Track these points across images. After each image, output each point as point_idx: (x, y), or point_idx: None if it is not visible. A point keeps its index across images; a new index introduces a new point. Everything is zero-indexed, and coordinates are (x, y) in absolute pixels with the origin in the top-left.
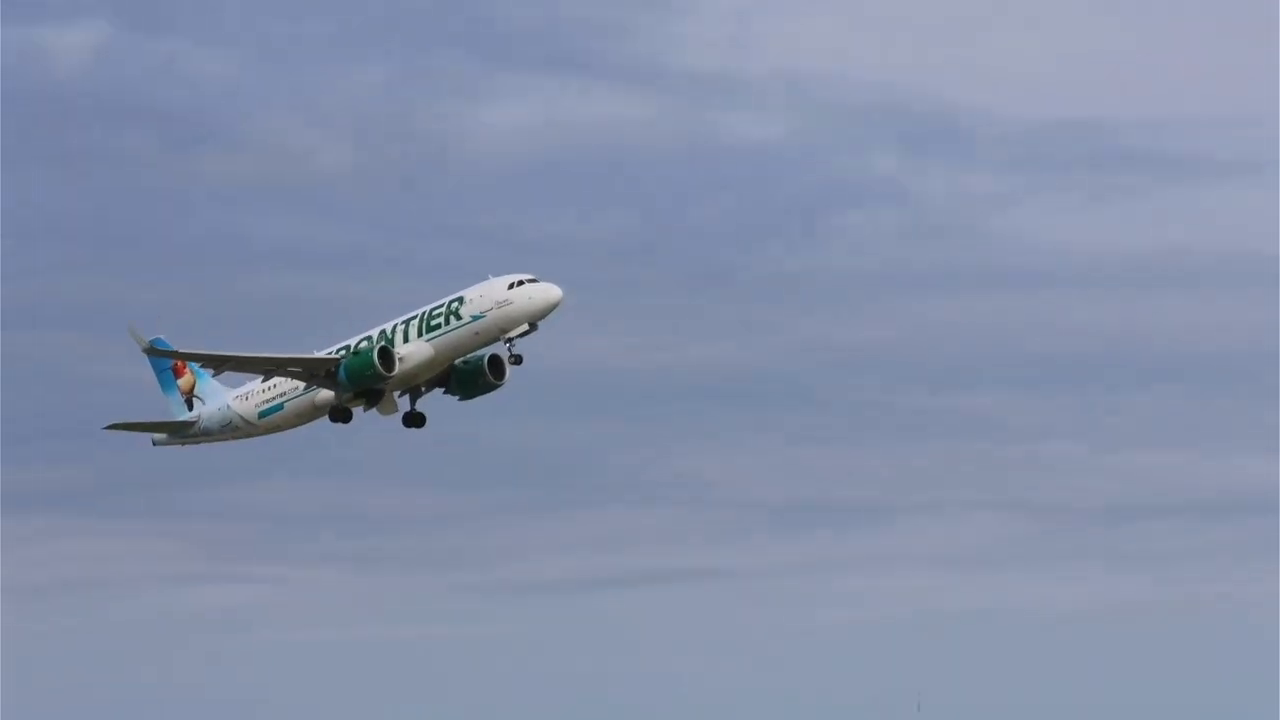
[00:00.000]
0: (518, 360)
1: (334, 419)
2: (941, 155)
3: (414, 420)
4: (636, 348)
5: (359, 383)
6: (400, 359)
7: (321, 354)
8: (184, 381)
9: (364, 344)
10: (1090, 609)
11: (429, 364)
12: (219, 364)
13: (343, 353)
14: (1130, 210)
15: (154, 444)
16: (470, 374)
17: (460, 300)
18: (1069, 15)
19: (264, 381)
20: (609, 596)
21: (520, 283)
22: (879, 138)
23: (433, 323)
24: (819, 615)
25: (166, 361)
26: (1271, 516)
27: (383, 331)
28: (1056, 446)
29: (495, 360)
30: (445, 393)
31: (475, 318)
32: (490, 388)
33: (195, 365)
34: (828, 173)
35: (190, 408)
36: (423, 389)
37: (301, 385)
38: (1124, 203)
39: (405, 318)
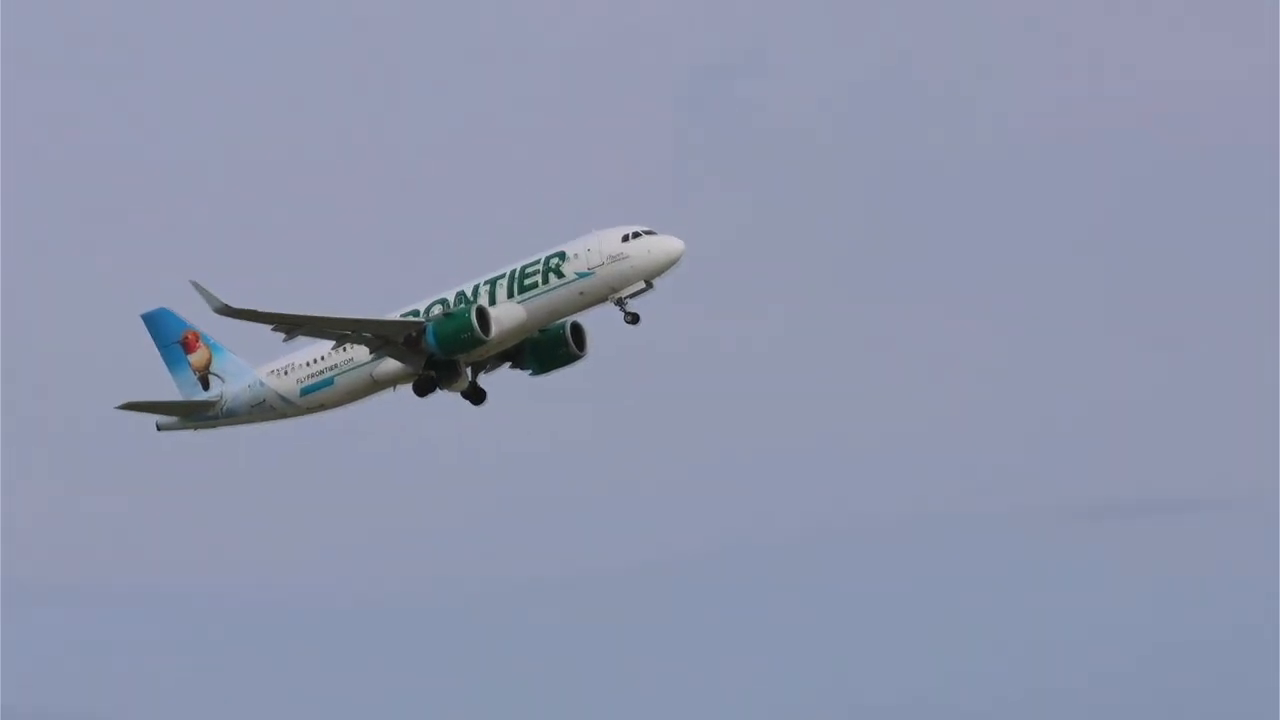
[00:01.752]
0: (635, 319)
1: (420, 392)
2: None
3: (476, 395)
4: None
5: (450, 349)
6: (495, 321)
7: (396, 316)
8: (197, 357)
9: (437, 307)
10: None
11: (519, 329)
12: (295, 326)
13: (412, 317)
14: None
15: (159, 429)
16: (549, 343)
17: (561, 256)
18: None
19: (335, 348)
20: None
21: (636, 234)
22: None
23: (527, 281)
24: None
25: (174, 334)
26: None
27: (461, 293)
28: None
29: (576, 327)
30: (512, 366)
31: (581, 275)
32: (571, 359)
33: (210, 339)
34: None
35: (206, 387)
36: (488, 362)
37: (357, 357)
38: None
39: (489, 276)
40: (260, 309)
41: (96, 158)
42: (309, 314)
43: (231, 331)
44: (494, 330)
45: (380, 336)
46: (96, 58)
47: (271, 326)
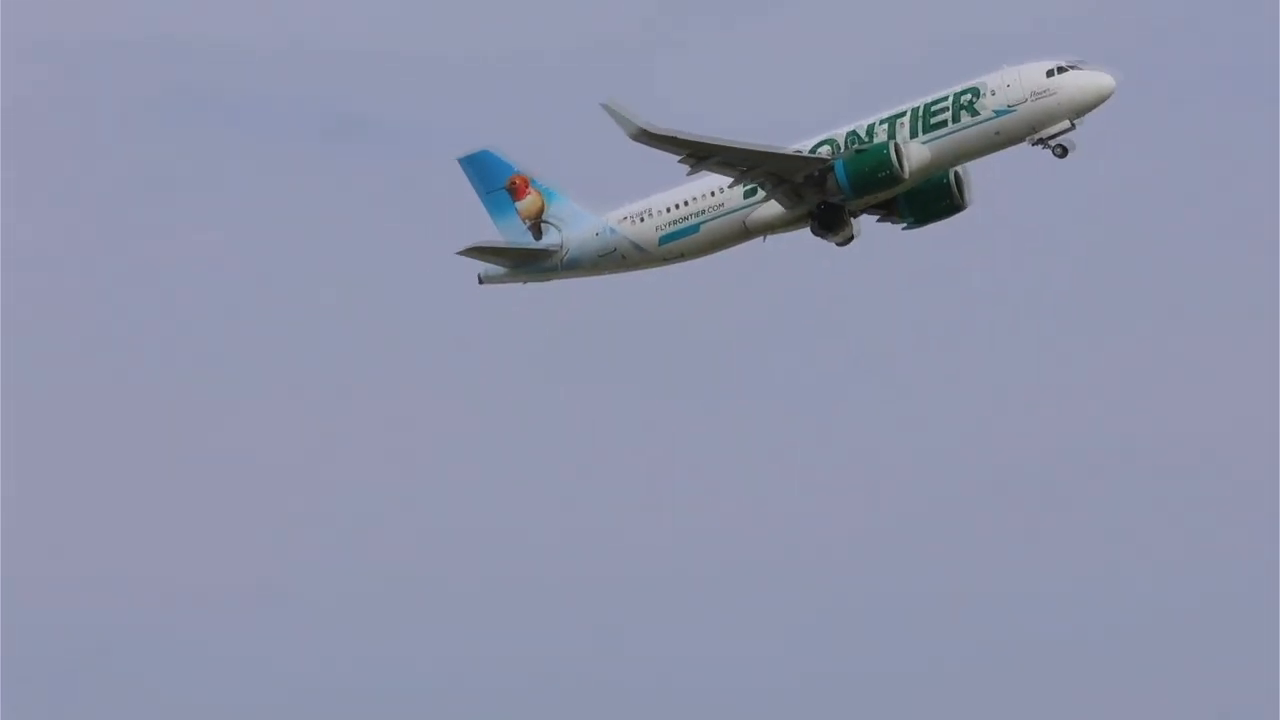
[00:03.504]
0: (1063, 153)
1: (820, 232)
2: None
3: (846, 240)
4: None
5: (861, 188)
6: (907, 159)
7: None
8: (527, 204)
9: (824, 148)
10: None
11: (924, 172)
12: (708, 155)
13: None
14: None
15: (481, 281)
16: (930, 193)
17: (975, 92)
18: None
19: (731, 185)
20: None
21: (1061, 69)
22: None
23: (934, 120)
24: None
25: (499, 179)
26: None
27: (853, 133)
28: None
29: (957, 176)
30: (881, 219)
31: (999, 113)
32: (953, 210)
33: (542, 185)
34: None
35: (538, 235)
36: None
37: (728, 201)
38: None
39: (886, 114)
40: (679, 134)
41: None
42: (727, 142)
43: (566, 175)
44: (908, 169)
45: (777, 174)
46: None
47: (679, 157)
